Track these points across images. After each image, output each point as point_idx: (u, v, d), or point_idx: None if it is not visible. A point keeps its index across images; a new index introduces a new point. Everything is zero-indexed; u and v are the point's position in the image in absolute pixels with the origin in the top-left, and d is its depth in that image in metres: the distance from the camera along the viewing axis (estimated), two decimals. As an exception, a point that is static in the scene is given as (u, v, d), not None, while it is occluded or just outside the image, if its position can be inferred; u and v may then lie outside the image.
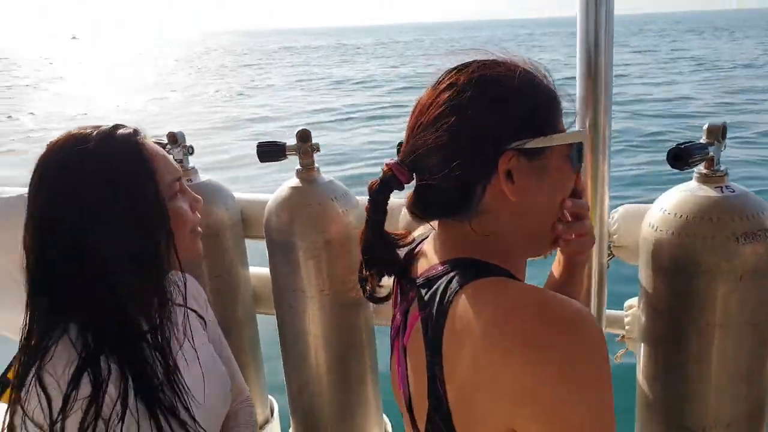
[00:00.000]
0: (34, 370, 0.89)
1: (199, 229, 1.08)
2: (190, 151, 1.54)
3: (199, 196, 1.08)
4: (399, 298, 0.93)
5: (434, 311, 0.77)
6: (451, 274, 0.79)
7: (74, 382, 0.87)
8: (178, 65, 40.84)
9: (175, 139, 1.52)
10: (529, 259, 0.91)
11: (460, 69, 0.84)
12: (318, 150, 1.44)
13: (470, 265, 0.80)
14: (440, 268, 0.82)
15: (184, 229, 1.02)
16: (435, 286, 0.80)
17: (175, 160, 1.54)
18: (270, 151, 1.42)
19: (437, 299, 0.77)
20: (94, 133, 0.96)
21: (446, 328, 0.74)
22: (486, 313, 0.71)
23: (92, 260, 0.91)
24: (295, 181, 1.44)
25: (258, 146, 1.42)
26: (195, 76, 30.29)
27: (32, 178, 0.96)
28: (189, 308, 1.12)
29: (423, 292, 0.82)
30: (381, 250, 0.92)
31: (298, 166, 1.44)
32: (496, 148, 0.79)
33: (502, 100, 0.80)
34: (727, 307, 1.05)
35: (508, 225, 0.82)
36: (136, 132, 0.99)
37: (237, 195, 1.62)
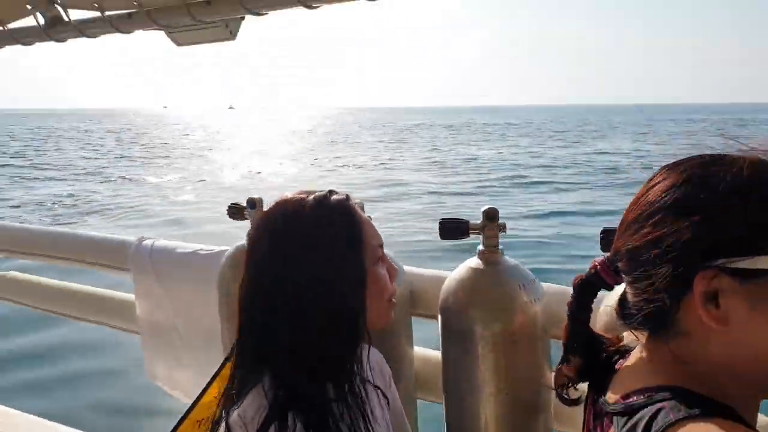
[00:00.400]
0: (225, 411, 0.91)
1: (394, 300, 1.03)
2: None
3: (395, 266, 1.04)
4: (592, 417, 0.81)
5: None
6: (657, 406, 0.66)
7: (263, 429, 0.87)
8: (315, 138, 44.08)
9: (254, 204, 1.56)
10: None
11: (676, 164, 0.73)
12: (505, 230, 1.35)
13: (681, 397, 0.66)
14: (643, 396, 0.69)
15: (382, 297, 1.01)
16: (636, 418, 0.67)
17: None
18: (452, 229, 1.35)
19: None
20: (310, 198, 0.97)
21: None
22: None
23: (303, 324, 0.91)
24: (476, 262, 1.34)
25: (441, 223, 1.36)
26: (332, 148, 32.48)
27: (249, 241, 0.98)
28: (374, 384, 1.06)
29: (620, 421, 0.69)
30: (586, 349, 0.83)
31: (481, 246, 1.35)
32: (693, 263, 0.65)
33: (709, 206, 0.67)
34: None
35: (717, 355, 0.68)
36: (348, 197, 0.99)
37: (407, 269, 1.56)
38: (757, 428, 0.69)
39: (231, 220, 1.70)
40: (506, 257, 1.35)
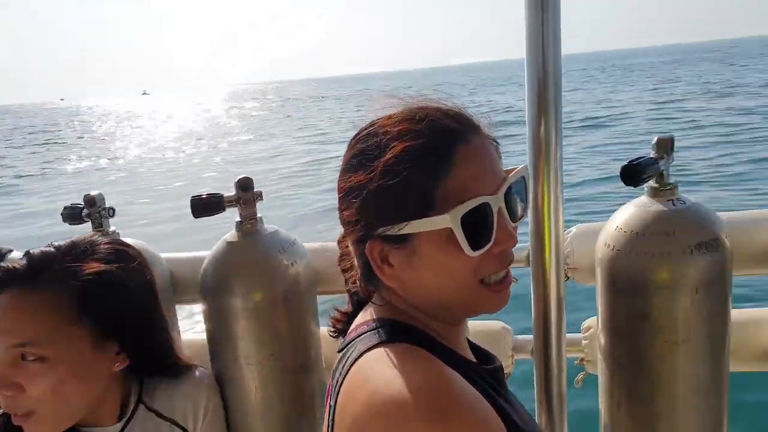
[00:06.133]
0: None
1: None
2: (110, 213, 1.41)
3: None
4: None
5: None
6: (362, 336, 0.82)
7: None
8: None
9: (93, 201, 1.39)
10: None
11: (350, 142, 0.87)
12: (261, 199, 1.34)
13: (385, 327, 0.82)
14: (360, 331, 0.85)
15: None
16: (348, 350, 0.83)
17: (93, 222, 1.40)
18: (205, 204, 1.31)
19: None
20: None
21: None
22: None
23: None
24: (233, 235, 1.32)
25: (192, 201, 1.30)
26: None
27: None
28: (173, 422, 1.18)
29: (342, 356, 0.84)
30: (354, 299, 0.95)
31: (238, 218, 1.33)
32: (364, 237, 0.80)
33: (359, 189, 0.79)
34: (686, 323, 1.05)
35: (409, 298, 0.83)
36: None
37: (164, 255, 1.47)
38: (458, 351, 0.83)
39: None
40: (265, 225, 1.35)
